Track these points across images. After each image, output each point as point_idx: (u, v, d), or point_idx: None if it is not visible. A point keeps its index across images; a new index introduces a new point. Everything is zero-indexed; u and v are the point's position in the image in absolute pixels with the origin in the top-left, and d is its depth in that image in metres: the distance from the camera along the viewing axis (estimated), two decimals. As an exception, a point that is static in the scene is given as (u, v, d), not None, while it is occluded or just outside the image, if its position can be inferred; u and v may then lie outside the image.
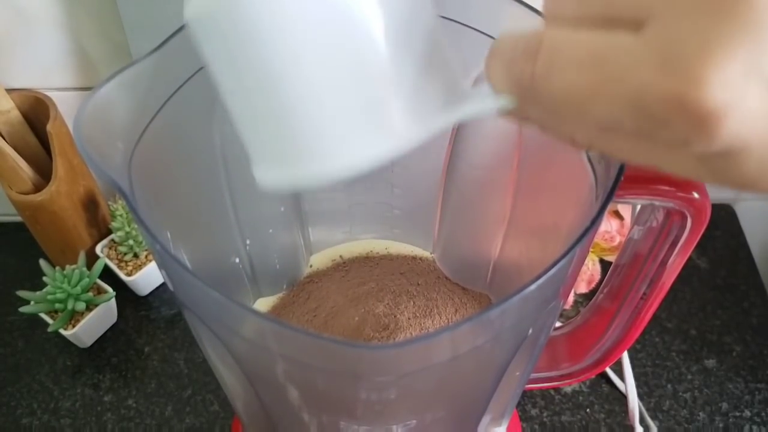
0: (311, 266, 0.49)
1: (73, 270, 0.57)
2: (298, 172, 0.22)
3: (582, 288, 0.60)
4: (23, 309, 0.57)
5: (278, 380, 0.32)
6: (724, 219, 0.70)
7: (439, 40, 0.23)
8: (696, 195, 0.32)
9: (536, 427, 0.56)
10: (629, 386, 0.53)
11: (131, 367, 0.59)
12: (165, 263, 0.28)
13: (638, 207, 0.40)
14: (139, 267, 0.61)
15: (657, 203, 0.33)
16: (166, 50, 0.31)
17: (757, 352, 0.60)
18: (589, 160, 0.32)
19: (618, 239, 0.58)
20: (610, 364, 0.44)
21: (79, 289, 0.56)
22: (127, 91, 0.30)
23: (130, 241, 0.60)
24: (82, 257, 0.58)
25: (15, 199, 0.56)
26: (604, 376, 0.58)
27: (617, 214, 0.59)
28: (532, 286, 0.25)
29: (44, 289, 0.57)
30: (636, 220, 0.38)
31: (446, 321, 0.45)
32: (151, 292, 0.64)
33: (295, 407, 0.34)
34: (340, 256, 0.49)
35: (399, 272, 0.48)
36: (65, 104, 0.57)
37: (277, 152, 0.23)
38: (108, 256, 0.62)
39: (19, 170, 0.55)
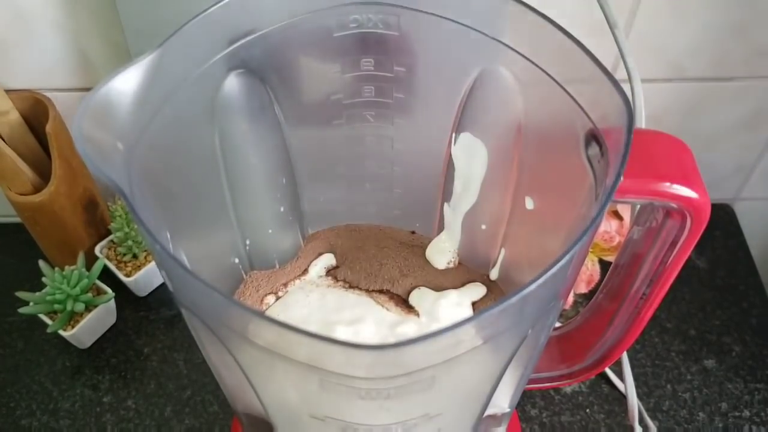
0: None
1: (73, 271, 0.57)
2: None
3: (581, 288, 0.60)
4: (22, 310, 0.57)
5: (277, 380, 0.32)
6: (723, 219, 0.70)
7: None
8: (695, 195, 0.32)
9: (536, 427, 0.56)
10: (629, 386, 0.53)
11: (130, 368, 0.59)
12: (164, 263, 0.28)
13: (637, 207, 0.40)
14: (139, 268, 0.61)
15: (656, 203, 0.33)
16: (165, 50, 0.31)
17: (757, 353, 0.60)
18: (589, 160, 0.32)
19: (617, 239, 0.58)
20: (610, 364, 0.44)
21: (78, 289, 0.56)
22: (126, 91, 0.30)
23: (130, 242, 0.60)
24: (81, 258, 0.58)
25: (14, 200, 0.56)
26: (603, 376, 0.58)
27: (616, 214, 0.59)
28: (532, 286, 0.25)
29: (43, 290, 0.57)
30: (635, 221, 0.38)
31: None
32: (151, 293, 0.64)
33: (294, 407, 0.34)
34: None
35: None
36: (64, 105, 0.57)
37: None
38: (107, 257, 0.62)
39: (18, 171, 0.55)
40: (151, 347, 0.60)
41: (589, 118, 0.32)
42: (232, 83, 0.38)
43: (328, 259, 0.48)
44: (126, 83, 0.30)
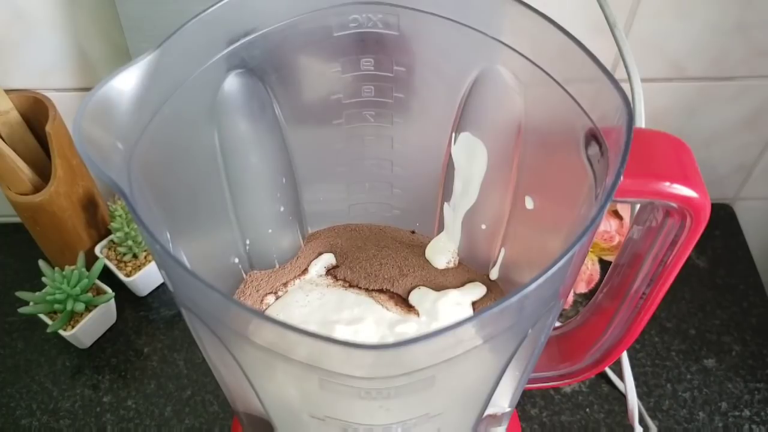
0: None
1: (72, 271, 0.57)
2: None
3: (581, 288, 0.60)
4: (22, 310, 0.57)
5: (278, 380, 0.32)
6: (723, 219, 0.70)
7: None
8: (696, 194, 0.32)
9: (536, 427, 0.56)
10: (629, 386, 0.53)
11: (130, 368, 0.59)
12: (165, 263, 0.28)
13: (637, 207, 0.40)
14: (139, 268, 0.61)
15: (656, 203, 0.33)
16: (165, 50, 0.31)
17: (757, 352, 0.60)
18: (589, 159, 0.32)
19: (617, 239, 0.58)
20: (610, 363, 0.44)
21: (78, 289, 0.56)
22: (126, 91, 0.30)
23: (129, 242, 0.60)
24: (81, 258, 0.58)
25: (14, 200, 0.56)
26: (603, 375, 0.58)
27: (616, 214, 0.59)
28: (532, 286, 0.25)
29: (43, 290, 0.57)
30: (635, 220, 0.38)
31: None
32: (151, 293, 0.64)
33: (294, 407, 0.34)
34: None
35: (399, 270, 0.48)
36: (64, 105, 0.57)
37: None
38: (107, 257, 0.62)
39: (18, 171, 0.55)
40: (151, 347, 0.60)
41: (589, 117, 0.32)
42: (232, 83, 0.38)
43: (327, 259, 0.48)
44: (126, 83, 0.30)
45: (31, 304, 0.57)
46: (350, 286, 0.46)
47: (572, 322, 0.45)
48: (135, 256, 0.62)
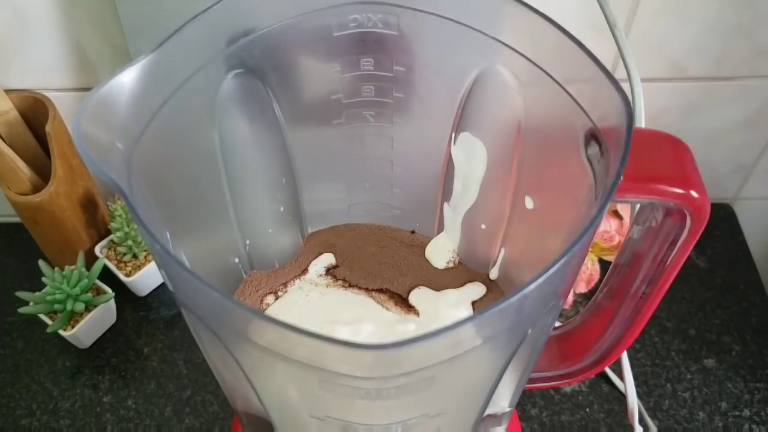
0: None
1: (72, 271, 0.57)
2: None
3: (581, 287, 0.60)
4: (22, 310, 0.57)
5: (277, 379, 0.32)
6: (723, 218, 0.70)
7: None
8: (695, 194, 0.32)
9: (536, 426, 0.56)
10: (628, 386, 0.53)
11: (130, 368, 0.59)
12: (165, 263, 0.28)
13: (637, 206, 0.40)
14: (138, 268, 0.61)
15: (656, 203, 0.33)
16: (165, 50, 0.31)
17: (757, 352, 0.60)
18: (589, 159, 0.32)
19: (617, 239, 0.58)
20: (610, 363, 0.44)
21: (78, 289, 0.56)
22: (125, 91, 0.30)
23: (129, 242, 0.60)
24: (81, 258, 0.58)
25: (14, 200, 0.56)
26: (603, 375, 0.58)
27: (616, 214, 0.59)
28: (532, 286, 0.25)
29: (43, 290, 0.57)
30: (635, 220, 0.38)
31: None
32: (151, 293, 0.64)
33: (294, 406, 0.34)
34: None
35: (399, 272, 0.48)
36: (64, 105, 0.57)
37: None
38: (107, 257, 0.62)
39: (18, 171, 0.55)
40: (151, 347, 0.60)
41: (588, 117, 0.32)
42: (232, 83, 0.38)
43: (327, 259, 0.48)
44: (126, 83, 0.30)
45: (31, 304, 0.57)
46: (350, 285, 0.46)
47: (572, 322, 0.45)
48: (135, 256, 0.62)
